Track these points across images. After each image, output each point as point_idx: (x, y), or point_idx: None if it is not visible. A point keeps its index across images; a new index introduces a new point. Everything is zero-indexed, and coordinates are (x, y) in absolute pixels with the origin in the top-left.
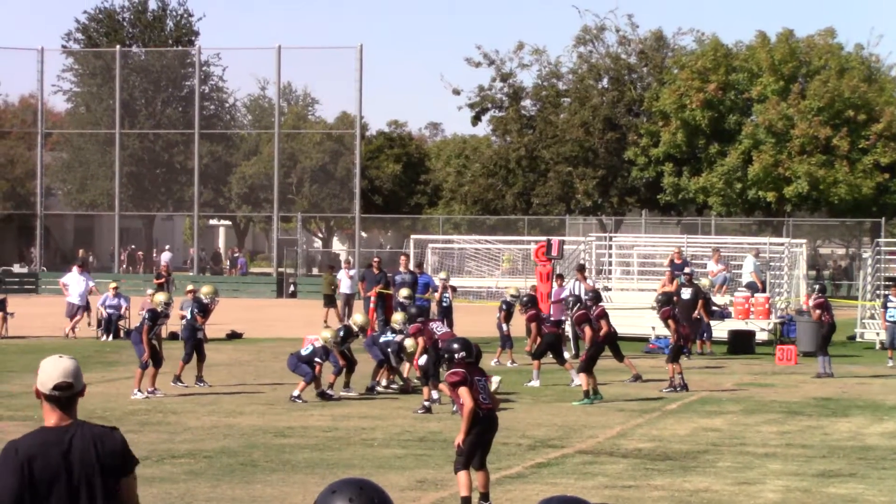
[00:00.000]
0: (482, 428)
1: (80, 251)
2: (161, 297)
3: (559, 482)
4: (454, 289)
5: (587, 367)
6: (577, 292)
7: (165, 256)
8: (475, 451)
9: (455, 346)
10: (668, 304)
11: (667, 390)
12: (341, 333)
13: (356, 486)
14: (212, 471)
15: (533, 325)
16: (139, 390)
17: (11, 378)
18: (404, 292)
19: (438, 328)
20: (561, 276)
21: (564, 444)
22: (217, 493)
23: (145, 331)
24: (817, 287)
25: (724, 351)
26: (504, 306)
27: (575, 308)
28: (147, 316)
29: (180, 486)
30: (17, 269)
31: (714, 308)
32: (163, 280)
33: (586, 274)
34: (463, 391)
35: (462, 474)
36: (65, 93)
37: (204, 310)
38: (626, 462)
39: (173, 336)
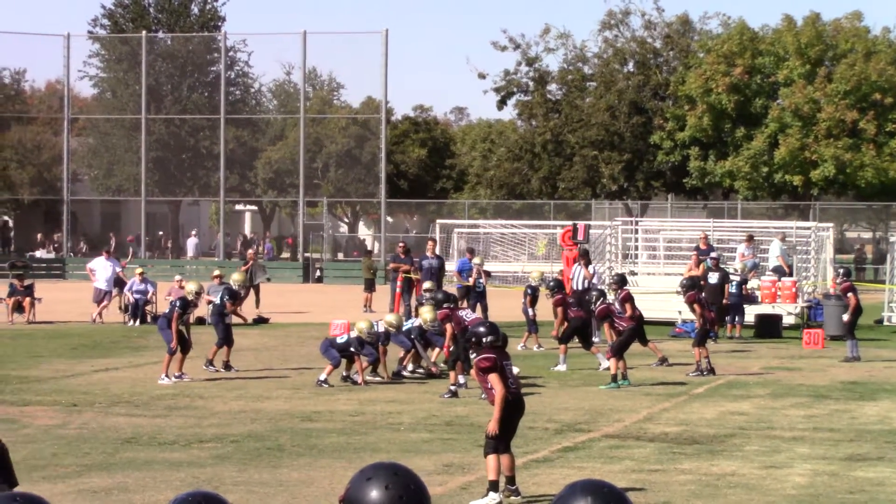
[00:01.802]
0: (510, 412)
1: (113, 237)
2: (192, 286)
3: (586, 466)
4: (488, 274)
5: (619, 352)
6: (579, 278)
7: (191, 242)
8: (504, 436)
9: (482, 329)
10: (693, 289)
11: (693, 374)
12: (378, 329)
13: (391, 472)
14: (239, 455)
15: (559, 309)
16: (166, 375)
17: (39, 363)
18: (427, 285)
19: (468, 314)
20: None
21: (591, 429)
22: (244, 478)
23: (175, 318)
24: (842, 271)
25: (752, 335)
26: (529, 291)
27: (598, 302)
28: (178, 304)
29: (207, 470)
30: (43, 254)
31: (751, 291)
32: (248, 265)
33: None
34: (493, 377)
35: (490, 458)
36: (91, 78)
37: (234, 296)
38: (653, 446)
39: (200, 321)
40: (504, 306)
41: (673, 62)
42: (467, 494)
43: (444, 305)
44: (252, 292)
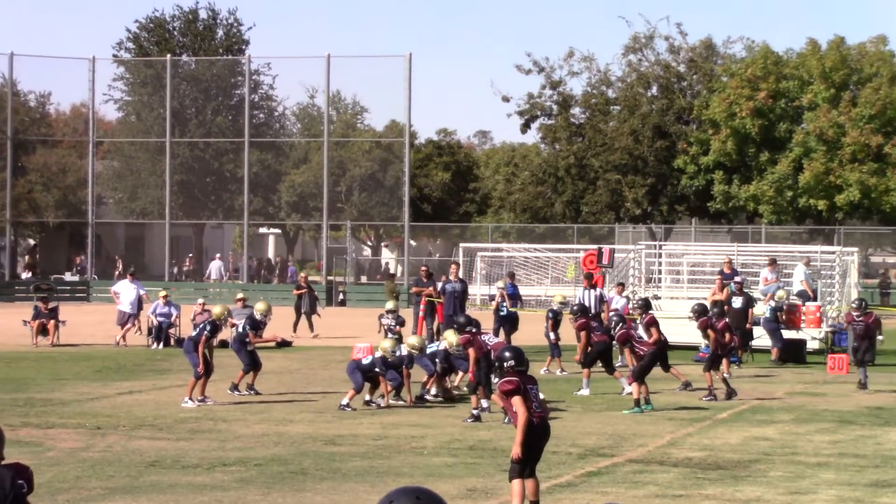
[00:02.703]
0: (535, 436)
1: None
2: (218, 309)
3: (609, 491)
4: (520, 297)
5: (640, 376)
6: (586, 302)
7: (215, 265)
8: (528, 460)
9: (506, 353)
10: (704, 314)
11: (706, 399)
12: (401, 352)
13: (413, 496)
14: (262, 478)
15: (583, 333)
16: (190, 398)
17: (63, 386)
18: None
19: (490, 339)
20: (622, 284)
21: (614, 453)
22: (268, 501)
23: (202, 341)
24: (861, 304)
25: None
26: (550, 315)
27: (618, 328)
28: (208, 328)
29: (231, 493)
30: (68, 276)
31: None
32: (303, 291)
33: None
34: (516, 400)
35: (515, 483)
36: (116, 101)
37: (256, 326)
38: (677, 471)
39: (223, 344)
40: (526, 330)
41: (697, 86)
42: None
43: (466, 330)
44: (303, 317)
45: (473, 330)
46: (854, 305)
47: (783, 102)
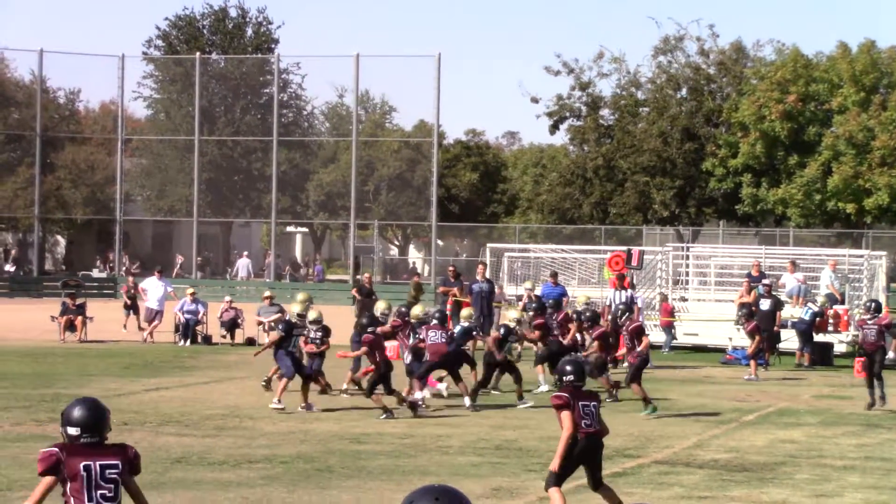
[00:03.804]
0: (579, 450)
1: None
2: (297, 307)
3: (635, 492)
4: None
5: (634, 378)
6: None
7: (243, 263)
8: (567, 471)
9: (567, 368)
10: (753, 317)
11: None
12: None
13: (432, 496)
14: (288, 476)
15: (537, 333)
16: (279, 400)
17: (90, 382)
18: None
19: (432, 336)
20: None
21: (640, 454)
22: (293, 499)
23: (277, 340)
24: (872, 305)
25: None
26: (574, 316)
27: (625, 317)
28: (281, 327)
29: (257, 490)
30: (96, 273)
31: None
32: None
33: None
34: (565, 415)
35: (552, 491)
36: (145, 99)
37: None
38: (703, 473)
39: (250, 342)
40: None
41: (726, 89)
42: None
43: (368, 330)
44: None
45: (377, 331)
46: (865, 307)
47: (813, 105)
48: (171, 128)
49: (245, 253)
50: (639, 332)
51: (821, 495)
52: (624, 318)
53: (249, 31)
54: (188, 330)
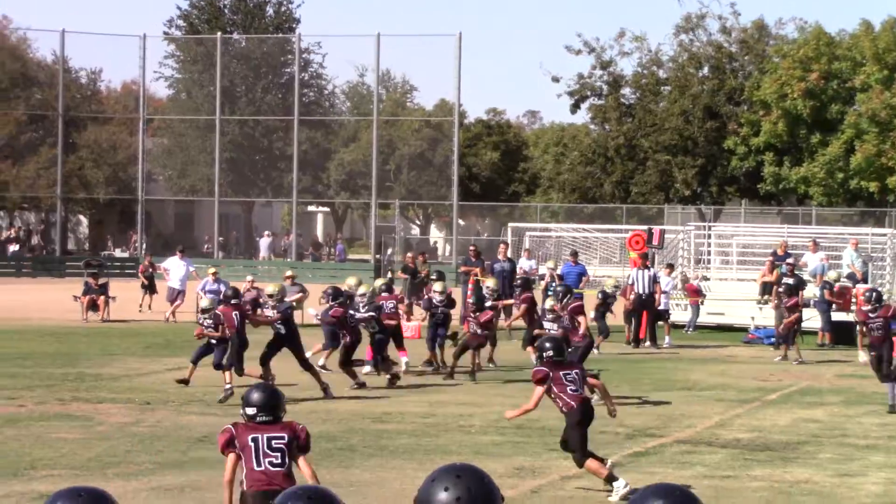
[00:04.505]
0: (581, 416)
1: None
2: (352, 280)
3: (657, 471)
4: (562, 277)
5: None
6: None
7: (264, 242)
8: (585, 441)
9: (546, 344)
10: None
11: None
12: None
13: (453, 475)
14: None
15: (523, 307)
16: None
17: (113, 361)
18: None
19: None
20: (671, 266)
21: (663, 434)
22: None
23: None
24: (873, 295)
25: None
26: (600, 296)
27: (566, 300)
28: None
29: None
30: (118, 253)
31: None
32: (406, 277)
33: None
34: (538, 390)
35: (589, 462)
36: (166, 79)
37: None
38: (725, 452)
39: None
40: None
41: (748, 67)
42: (538, 498)
43: (339, 302)
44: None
45: (347, 302)
46: (865, 297)
47: (835, 84)
48: (192, 107)
49: (266, 232)
50: (578, 313)
51: (844, 475)
52: (566, 299)
53: (270, 11)
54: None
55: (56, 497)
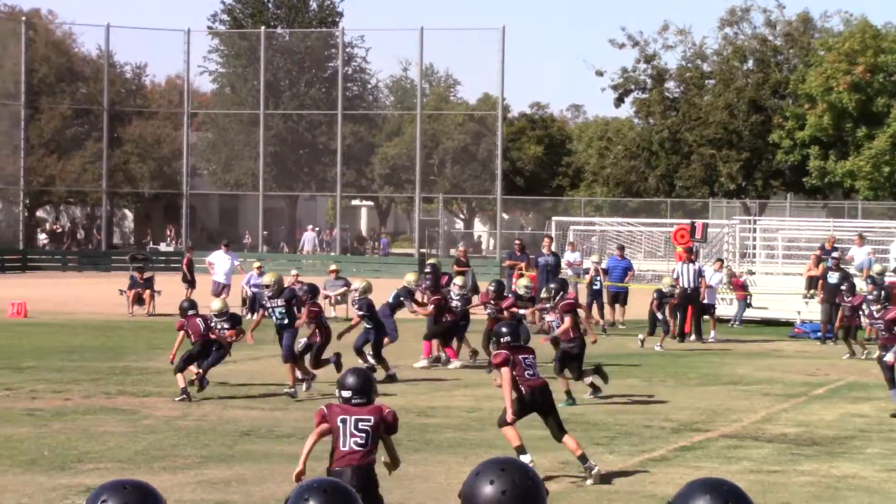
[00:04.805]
0: (530, 400)
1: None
2: (410, 276)
3: (703, 466)
4: (606, 272)
5: (561, 370)
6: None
7: (308, 236)
8: (521, 416)
9: (503, 330)
10: (854, 291)
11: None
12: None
13: (498, 468)
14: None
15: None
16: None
17: (159, 355)
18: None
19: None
20: (720, 260)
21: (709, 428)
22: None
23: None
24: (881, 294)
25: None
26: (656, 295)
27: (558, 297)
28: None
29: (324, 463)
30: (163, 247)
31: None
32: (464, 269)
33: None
34: (504, 370)
35: (506, 429)
36: (210, 73)
37: (412, 294)
38: (772, 447)
39: None
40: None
41: (793, 60)
42: (583, 492)
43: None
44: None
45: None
46: (872, 297)
47: (881, 77)
48: (236, 102)
49: (310, 226)
50: (569, 310)
51: (892, 469)
52: (558, 297)
53: (314, 5)
54: (255, 303)
55: (101, 490)
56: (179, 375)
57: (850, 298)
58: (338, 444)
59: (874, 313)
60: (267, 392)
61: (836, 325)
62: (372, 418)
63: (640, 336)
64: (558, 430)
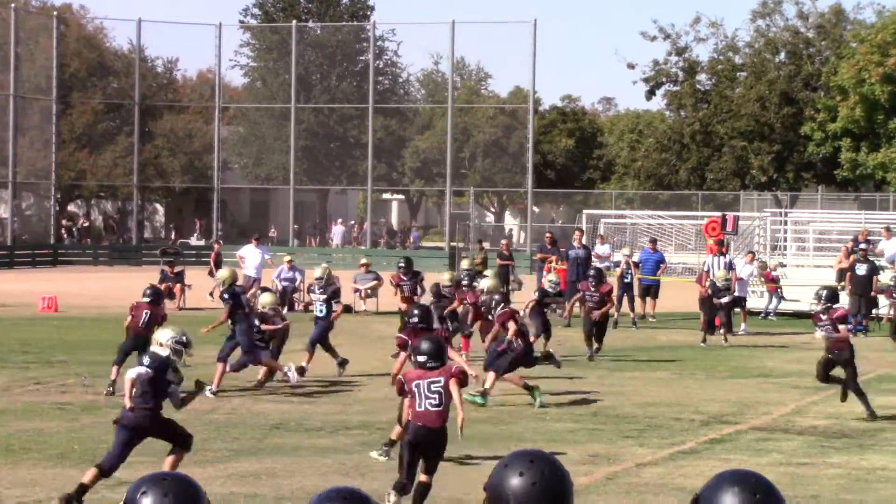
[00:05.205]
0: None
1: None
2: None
3: (733, 458)
4: (637, 265)
5: (490, 366)
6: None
7: (338, 230)
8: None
9: (415, 311)
10: None
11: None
12: None
13: (527, 460)
14: (384, 442)
15: (510, 323)
16: None
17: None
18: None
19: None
20: (752, 253)
21: (738, 421)
22: (390, 465)
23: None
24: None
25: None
26: (711, 290)
27: (499, 308)
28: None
29: (354, 456)
30: (193, 241)
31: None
32: (509, 262)
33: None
34: (402, 355)
35: (397, 429)
36: (241, 67)
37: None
38: (801, 439)
39: (347, 310)
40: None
41: (825, 52)
42: (613, 485)
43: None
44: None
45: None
46: (893, 284)
47: None
48: (267, 96)
49: (340, 220)
50: (507, 319)
51: None
52: (499, 308)
53: None
54: (285, 297)
55: (140, 483)
56: (115, 368)
57: None
58: (414, 405)
59: (821, 314)
60: (299, 385)
61: (883, 319)
62: (442, 379)
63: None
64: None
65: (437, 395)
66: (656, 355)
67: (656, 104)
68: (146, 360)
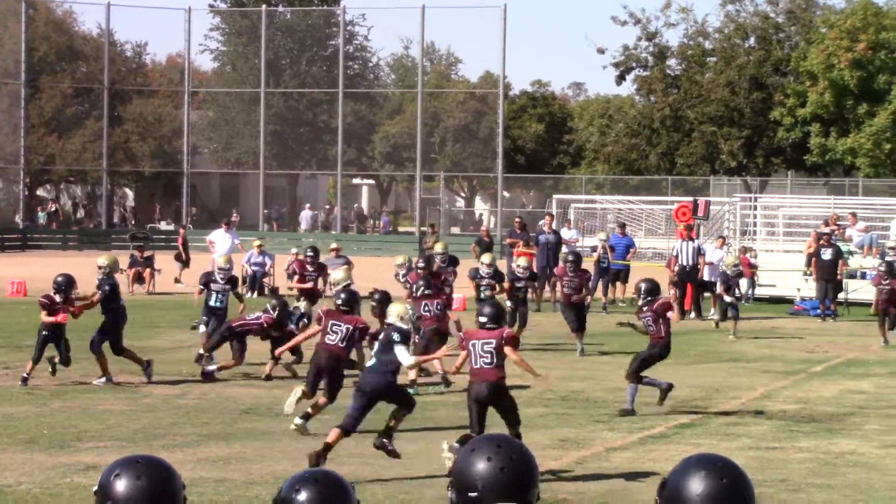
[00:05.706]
0: (321, 364)
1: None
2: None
3: (702, 443)
4: (613, 249)
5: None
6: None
7: (305, 215)
8: (316, 383)
9: (342, 295)
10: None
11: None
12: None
13: (494, 444)
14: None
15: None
16: None
17: (158, 334)
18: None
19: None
20: (723, 238)
21: (708, 406)
22: (360, 450)
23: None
24: (889, 265)
25: (870, 313)
26: (721, 279)
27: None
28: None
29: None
30: (163, 226)
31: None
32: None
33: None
34: (311, 330)
35: (300, 389)
36: (211, 52)
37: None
38: (771, 424)
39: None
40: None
41: (795, 37)
42: (582, 469)
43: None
44: None
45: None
46: (883, 270)
47: (883, 54)
48: (237, 80)
49: (308, 205)
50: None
51: (890, 446)
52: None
53: None
54: (255, 282)
55: (115, 465)
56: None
57: (888, 281)
58: (472, 364)
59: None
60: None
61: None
62: (494, 340)
63: (713, 317)
64: (330, 396)
65: (489, 355)
66: (626, 340)
67: (626, 89)
68: (396, 336)
